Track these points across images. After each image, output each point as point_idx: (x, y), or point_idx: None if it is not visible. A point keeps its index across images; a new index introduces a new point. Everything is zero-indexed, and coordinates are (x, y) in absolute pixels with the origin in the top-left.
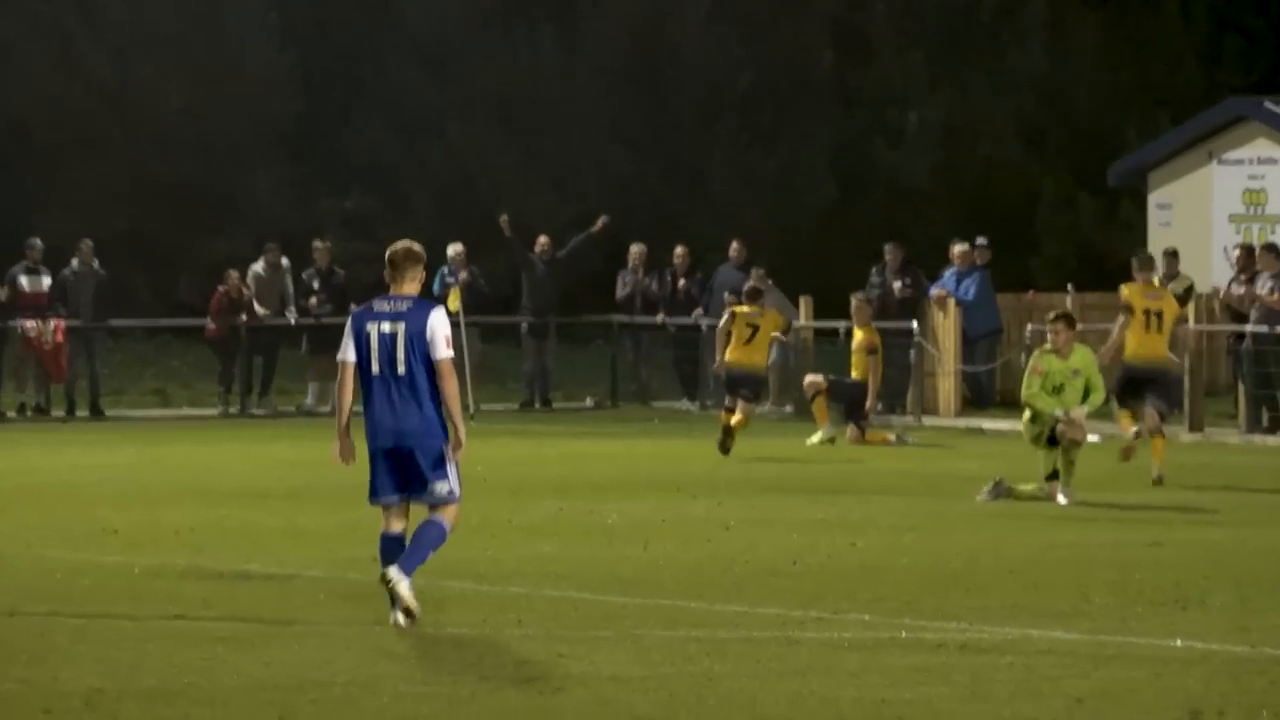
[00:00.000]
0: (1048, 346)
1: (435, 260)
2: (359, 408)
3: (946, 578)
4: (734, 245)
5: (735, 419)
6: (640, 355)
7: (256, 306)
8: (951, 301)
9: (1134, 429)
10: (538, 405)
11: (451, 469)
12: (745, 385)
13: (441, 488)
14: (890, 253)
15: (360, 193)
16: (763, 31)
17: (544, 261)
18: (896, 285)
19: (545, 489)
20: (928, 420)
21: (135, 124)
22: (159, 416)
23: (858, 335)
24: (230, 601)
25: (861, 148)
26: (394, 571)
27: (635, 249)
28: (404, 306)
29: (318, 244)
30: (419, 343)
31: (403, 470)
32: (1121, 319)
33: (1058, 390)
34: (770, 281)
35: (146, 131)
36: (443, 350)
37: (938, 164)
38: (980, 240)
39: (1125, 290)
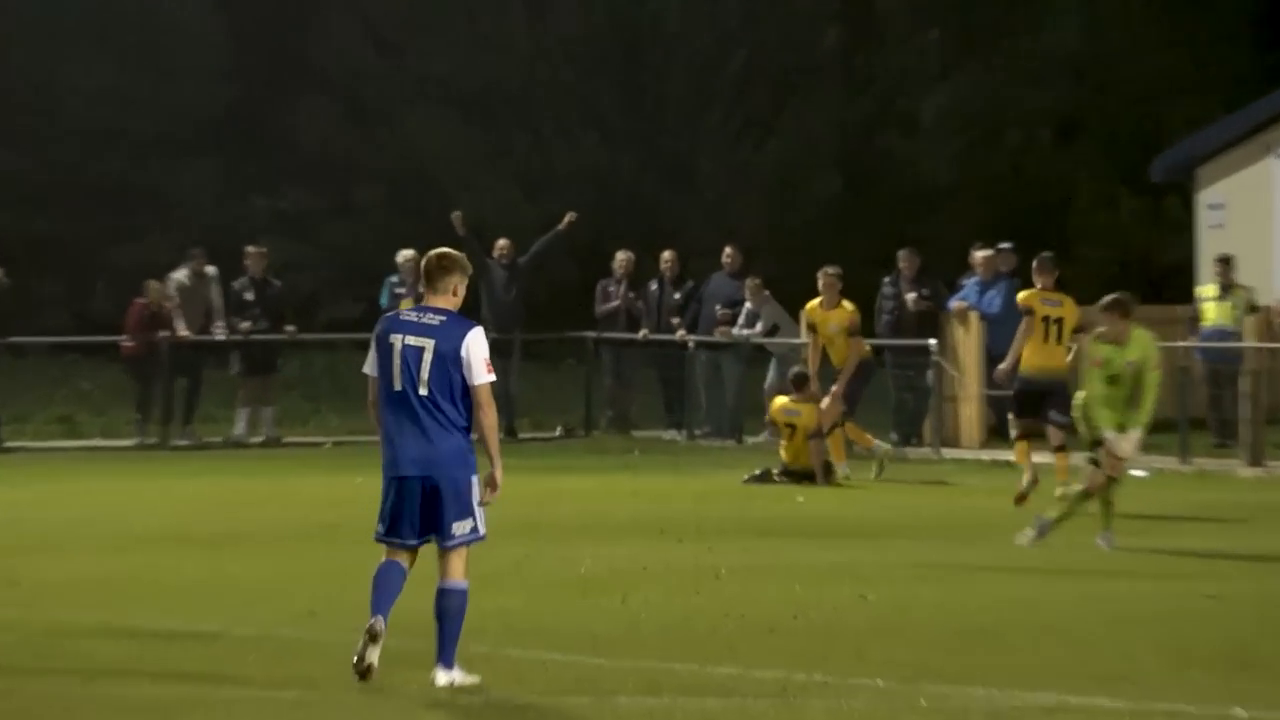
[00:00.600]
0: (1103, 329)
1: (383, 267)
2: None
3: (971, 635)
4: (726, 251)
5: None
6: (619, 377)
7: (179, 322)
8: (974, 315)
9: (1029, 477)
10: (501, 434)
11: (476, 502)
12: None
13: (462, 527)
14: (905, 259)
15: (300, 190)
16: (759, 5)
17: (504, 267)
18: (911, 297)
19: (508, 532)
20: (948, 452)
21: (45, 112)
22: (66, 448)
23: (832, 316)
24: (149, 663)
25: (871, 138)
26: (440, 675)
27: (621, 256)
28: (435, 320)
29: (251, 249)
30: (449, 364)
31: (421, 507)
32: (1023, 326)
33: (1114, 380)
34: (767, 292)
35: (57, 120)
36: (481, 375)
37: (958, 157)
38: (1004, 245)
39: (1023, 296)
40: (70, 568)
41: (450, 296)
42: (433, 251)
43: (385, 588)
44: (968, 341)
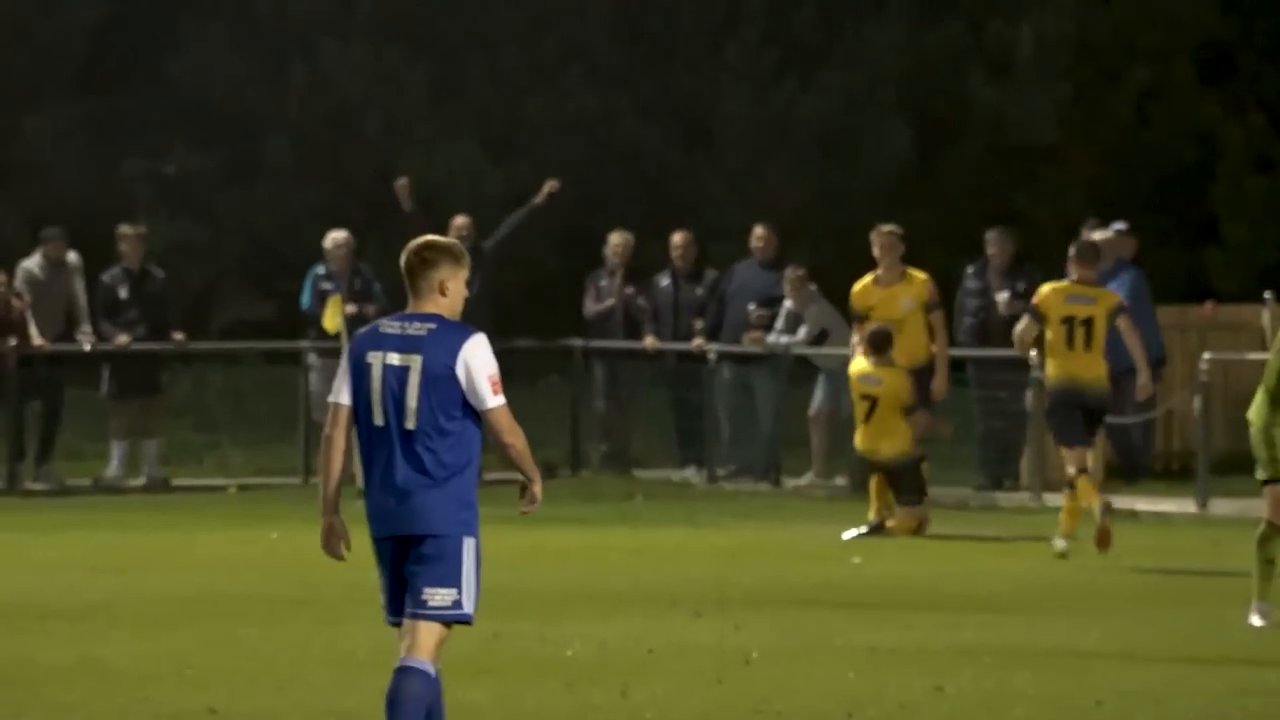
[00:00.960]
0: None
1: (306, 254)
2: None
3: None
4: (757, 231)
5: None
6: (615, 399)
7: (32, 327)
8: None
9: (1100, 501)
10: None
11: (468, 572)
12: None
13: (439, 597)
14: (994, 244)
15: (189, 149)
16: None
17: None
18: (1003, 296)
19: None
20: (1052, 499)
21: None
22: None
23: (899, 292)
24: None
25: (951, 80)
26: None
27: (617, 240)
28: (423, 331)
29: (125, 229)
30: (444, 384)
31: (397, 573)
32: (1021, 326)
33: None
34: (813, 287)
35: None
36: (490, 398)
37: (1065, 105)
38: (1119, 225)
39: (1042, 291)
40: None
41: (439, 297)
42: (413, 243)
43: (403, 713)
44: None
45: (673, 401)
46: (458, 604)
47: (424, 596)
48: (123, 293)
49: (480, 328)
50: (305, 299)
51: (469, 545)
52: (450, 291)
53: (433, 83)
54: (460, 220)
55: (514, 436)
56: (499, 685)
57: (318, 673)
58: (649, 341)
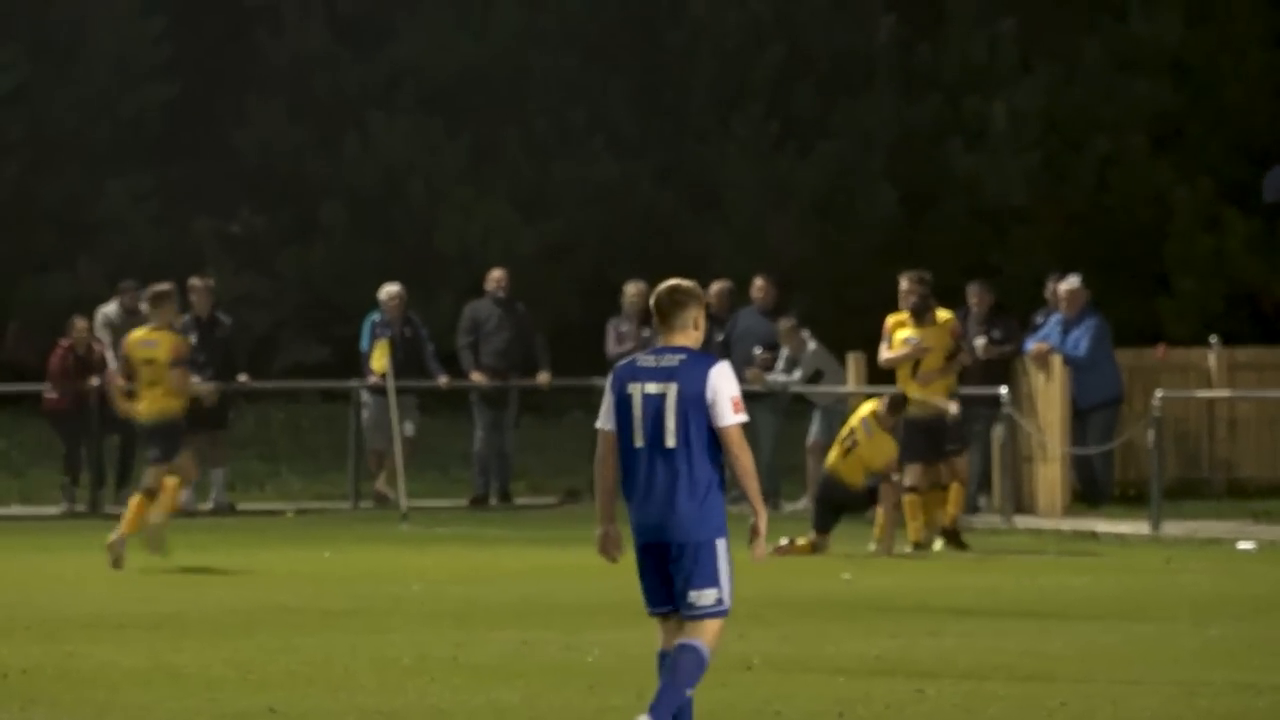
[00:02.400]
0: None
1: (358, 304)
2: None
3: None
4: (757, 282)
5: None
6: None
7: (112, 366)
8: (1058, 359)
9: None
10: (493, 500)
11: (724, 572)
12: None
13: (703, 598)
14: (975, 295)
15: (252, 210)
16: None
17: (498, 303)
18: (980, 341)
19: (503, 615)
20: (1022, 521)
21: None
22: None
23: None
24: None
25: (932, 149)
26: None
27: (633, 289)
28: (675, 361)
29: (195, 281)
30: (695, 408)
31: (665, 574)
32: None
33: None
34: (807, 331)
35: None
36: (729, 415)
37: (1034, 171)
38: (1072, 278)
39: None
40: None
41: (691, 331)
42: (662, 286)
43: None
44: (1049, 391)
45: None
46: (720, 601)
47: (691, 600)
48: (192, 339)
49: (514, 367)
50: (364, 343)
51: (721, 546)
52: (700, 325)
53: (470, 151)
54: (497, 273)
55: (742, 452)
56: (527, 688)
57: (367, 676)
58: None
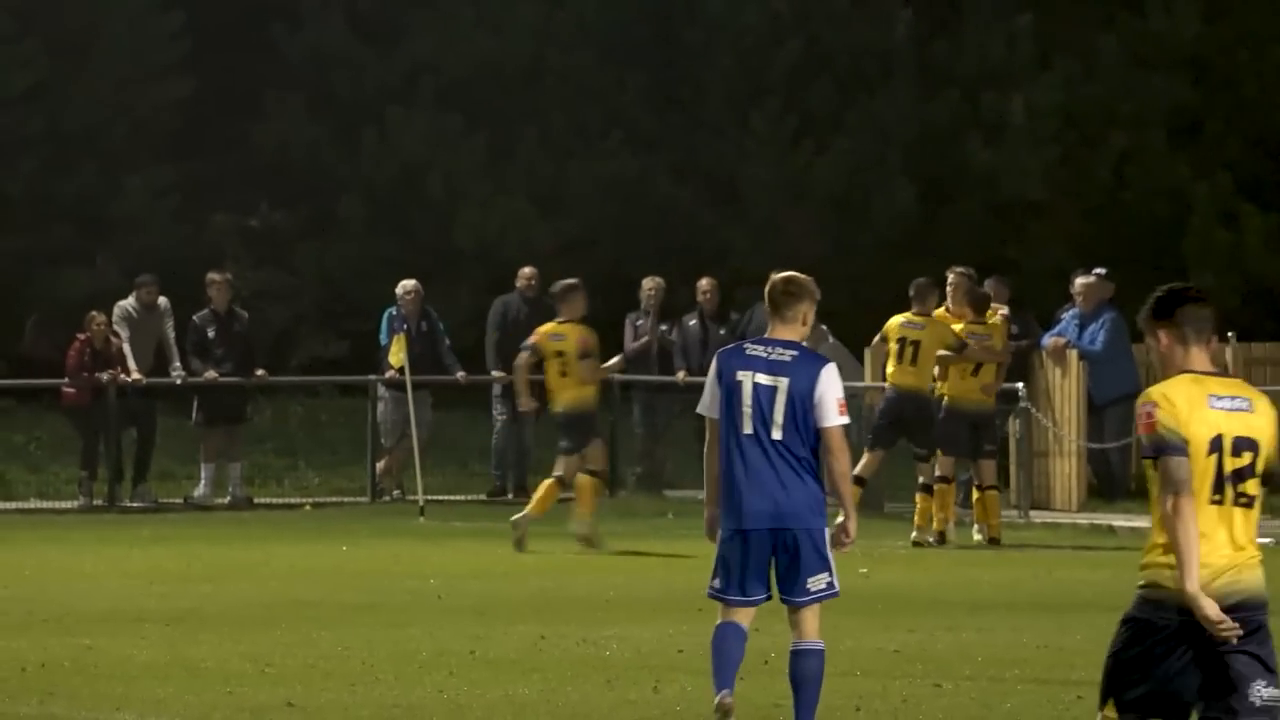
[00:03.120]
0: None
1: (375, 299)
2: None
3: None
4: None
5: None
6: (650, 426)
7: (130, 361)
8: (1074, 354)
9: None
10: (510, 494)
11: (830, 555)
12: None
13: (817, 582)
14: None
15: (270, 205)
16: None
17: (527, 301)
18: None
19: (521, 610)
20: (1038, 515)
21: None
22: None
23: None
24: None
25: (950, 145)
26: None
27: (649, 284)
28: (787, 357)
29: (214, 276)
30: (804, 403)
31: (773, 560)
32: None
33: None
34: (824, 327)
35: None
36: (834, 416)
37: (1052, 166)
38: (1098, 270)
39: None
40: (3, 651)
41: (800, 326)
42: (777, 276)
43: (729, 654)
44: (1065, 385)
45: (699, 430)
46: (830, 585)
47: (808, 586)
48: (211, 333)
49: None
50: (383, 337)
51: (826, 533)
52: (808, 322)
53: (488, 147)
54: (527, 270)
55: (842, 454)
56: (545, 682)
57: (384, 670)
58: (681, 375)
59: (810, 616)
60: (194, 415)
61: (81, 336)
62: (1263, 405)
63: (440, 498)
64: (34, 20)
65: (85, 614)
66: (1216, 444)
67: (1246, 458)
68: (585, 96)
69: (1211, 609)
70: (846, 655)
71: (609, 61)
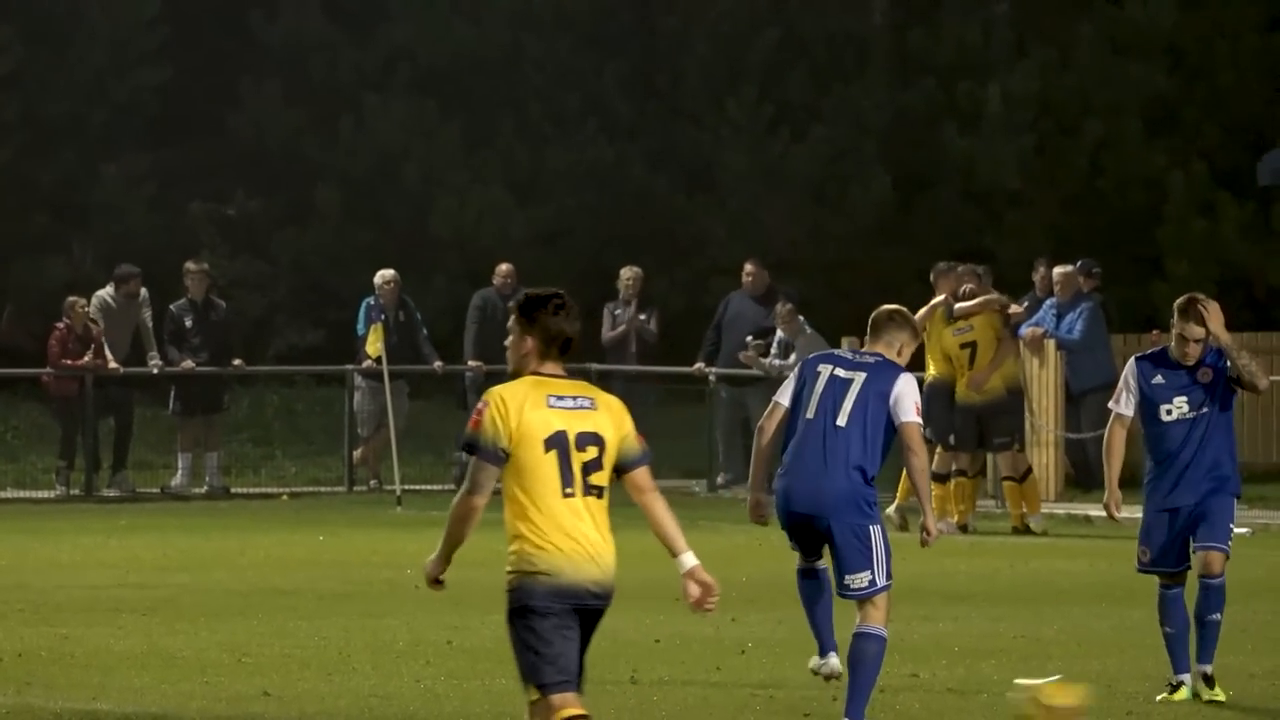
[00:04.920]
0: None
1: (352, 288)
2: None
3: None
4: (747, 267)
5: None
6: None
7: (106, 350)
8: (1051, 345)
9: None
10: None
11: (879, 553)
12: None
13: (858, 580)
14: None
15: (248, 193)
16: None
17: (505, 298)
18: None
19: (498, 599)
20: None
21: None
22: None
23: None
24: None
25: (926, 134)
26: None
27: (628, 273)
28: (869, 359)
29: (190, 265)
30: (877, 399)
31: (816, 547)
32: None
33: None
34: (801, 318)
35: None
36: (910, 413)
37: (1028, 155)
38: (1085, 263)
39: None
40: None
41: (895, 354)
42: (886, 306)
43: (813, 597)
44: (1043, 376)
45: (682, 420)
46: (872, 583)
47: (847, 583)
48: (188, 322)
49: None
50: (360, 327)
51: (874, 532)
52: (903, 355)
53: (465, 135)
54: (504, 267)
55: (921, 452)
56: None
57: (361, 660)
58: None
59: (870, 607)
60: (171, 405)
61: (61, 324)
62: (605, 402)
63: (417, 487)
64: (10, 7)
65: (62, 604)
66: (559, 440)
67: (592, 451)
68: (562, 84)
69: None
70: None
71: (586, 49)
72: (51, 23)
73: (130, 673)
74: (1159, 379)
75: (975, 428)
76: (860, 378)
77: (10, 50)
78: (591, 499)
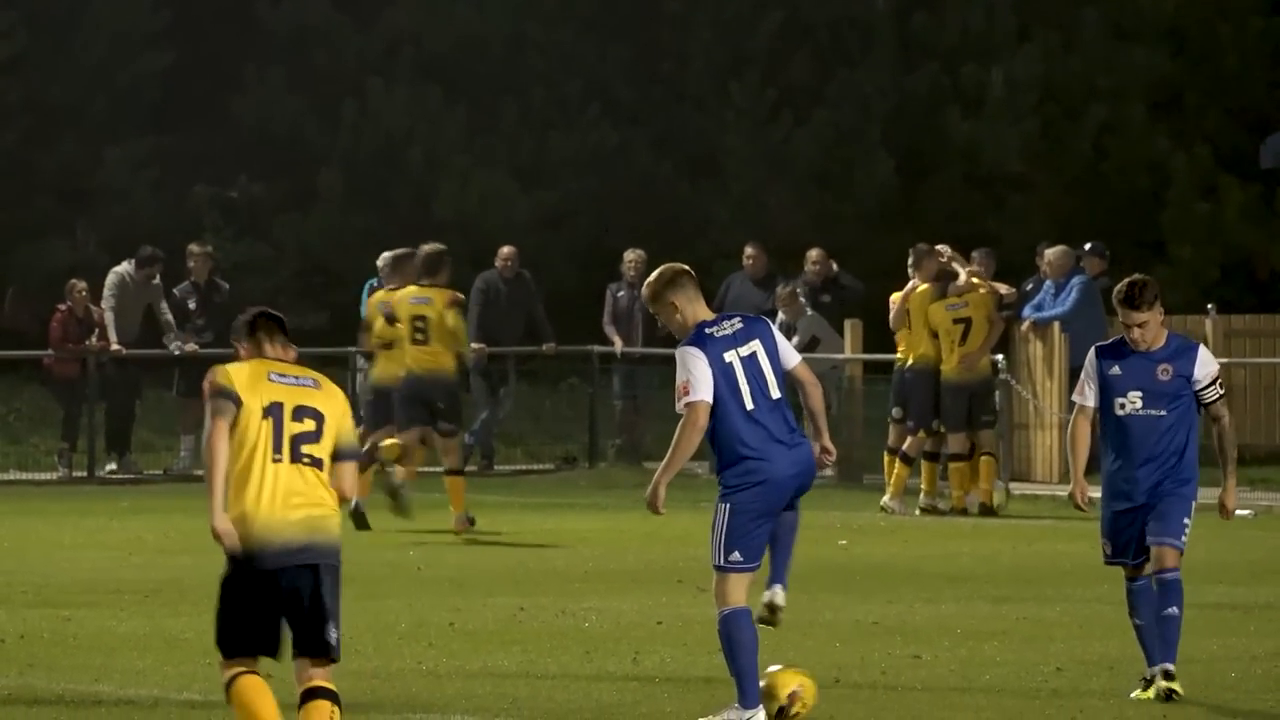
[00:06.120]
0: None
1: (355, 271)
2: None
3: (1044, 700)
4: (748, 250)
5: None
6: (632, 398)
7: (111, 332)
8: (1056, 328)
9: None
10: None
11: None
12: None
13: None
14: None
15: (251, 177)
16: None
17: (506, 281)
18: None
19: (500, 581)
20: (1018, 488)
21: None
22: None
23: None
24: None
25: (930, 117)
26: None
27: (631, 256)
28: (740, 323)
29: (194, 248)
30: (776, 358)
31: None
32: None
33: None
34: (804, 300)
35: None
36: (795, 354)
37: (1032, 139)
38: (1090, 246)
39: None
40: None
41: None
42: (679, 267)
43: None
44: (1046, 358)
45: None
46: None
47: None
48: (192, 304)
49: (515, 336)
50: (363, 309)
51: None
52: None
53: (468, 120)
54: (506, 250)
55: (816, 381)
56: (525, 654)
57: (363, 642)
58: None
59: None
60: (175, 386)
61: (63, 307)
62: (328, 385)
63: (420, 469)
64: None
65: (64, 585)
66: (274, 410)
67: (310, 424)
68: (565, 69)
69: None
70: (825, 627)
71: (589, 34)
72: (54, 7)
73: (132, 655)
74: (1116, 370)
75: (966, 406)
76: (757, 346)
77: (14, 35)
78: (307, 468)
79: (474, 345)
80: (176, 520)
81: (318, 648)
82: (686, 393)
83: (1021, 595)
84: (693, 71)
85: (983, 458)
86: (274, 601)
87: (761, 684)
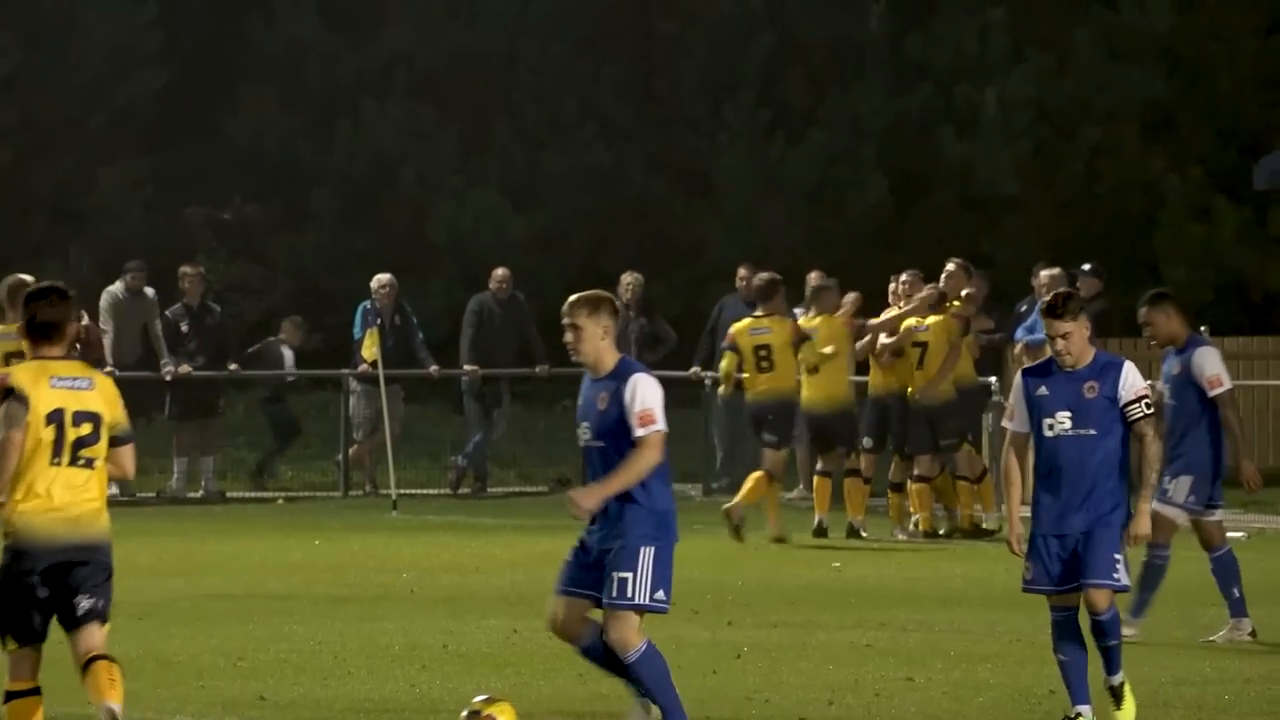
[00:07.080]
0: None
1: (349, 292)
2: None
3: None
4: (740, 271)
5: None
6: None
7: (106, 353)
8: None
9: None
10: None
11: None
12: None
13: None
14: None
15: (245, 198)
16: None
17: (500, 303)
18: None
19: (494, 603)
20: None
21: None
22: None
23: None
24: None
25: (923, 138)
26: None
27: (628, 279)
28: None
29: (187, 269)
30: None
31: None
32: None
33: None
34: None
35: None
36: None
37: (1025, 160)
38: (1092, 266)
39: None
40: None
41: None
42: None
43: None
44: None
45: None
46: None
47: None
48: (184, 326)
49: (509, 357)
50: (357, 330)
51: None
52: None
53: (462, 139)
54: (500, 272)
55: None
56: (518, 676)
57: (357, 664)
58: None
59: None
60: (167, 409)
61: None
62: (101, 382)
63: (412, 491)
64: (8, 11)
65: None
66: (56, 416)
67: (87, 428)
68: (559, 89)
69: None
70: (819, 649)
71: (583, 54)
72: (49, 27)
73: (125, 677)
74: (1043, 390)
75: (927, 429)
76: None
77: (8, 54)
78: (82, 469)
79: (467, 367)
80: (169, 542)
81: (79, 619)
82: (653, 421)
83: (1015, 617)
84: (687, 92)
85: (958, 481)
86: (45, 592)
87: (463, 713)
